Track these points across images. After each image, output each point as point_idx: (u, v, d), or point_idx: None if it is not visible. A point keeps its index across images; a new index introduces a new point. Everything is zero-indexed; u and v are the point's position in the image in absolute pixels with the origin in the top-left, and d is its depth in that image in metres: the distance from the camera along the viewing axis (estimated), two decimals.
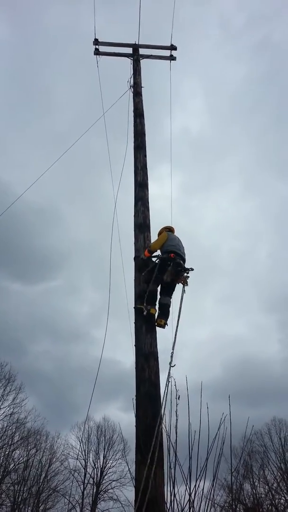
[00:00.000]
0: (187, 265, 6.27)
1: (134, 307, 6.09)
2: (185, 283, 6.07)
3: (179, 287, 6.20)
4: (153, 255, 6.44)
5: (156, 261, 6.17)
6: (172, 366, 5.23)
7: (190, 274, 6.16)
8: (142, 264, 6.45)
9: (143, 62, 10.65)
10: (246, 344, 47.62)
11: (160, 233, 6.99)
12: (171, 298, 6.14)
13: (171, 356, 5.31)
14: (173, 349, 5.39)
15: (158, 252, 6.44)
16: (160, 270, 6.00)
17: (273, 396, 35.42)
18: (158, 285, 6.08)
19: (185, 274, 6.12)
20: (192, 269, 6.15)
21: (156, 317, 5.90)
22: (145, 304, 5.85)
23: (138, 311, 5.96)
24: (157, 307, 5.99)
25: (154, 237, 6.95)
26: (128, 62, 10.66)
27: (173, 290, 6.21)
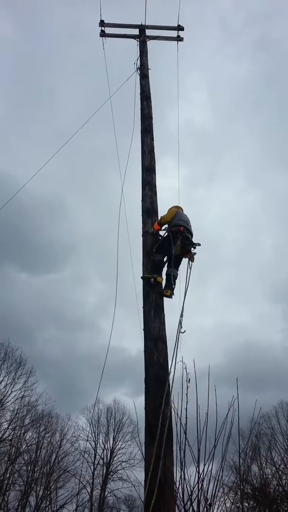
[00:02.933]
0: (194, 241, 6.46)
1: (142, 277, 6.23)
2: (191, 259, 6.33)
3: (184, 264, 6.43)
4: (162, 228, 6.64)
5: (165, 235, 6.39)
6: (182, 333, 5.47)
7: (196, 252, 6.39)
8: (153, 240, 6.59)
9: (150, 46, 10.44)
10: (250, 332, 47.90)
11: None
12: (177, 270, 6.34)
13: (180, 323, 5.53)
14: (181, 316, 5.62)
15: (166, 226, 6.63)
16: (169, 242, 6.19)
17: (276, 382, 35.81)
18: (165, 256, 6.28)
19: (192, 250, 6.35)
20: (199, 244, 6.38)
21: (163, 287, 6.08)
22: (151, 274, 6.06)
23: (145, 280, 6.12)
24: (164, 277, 6.16)
25: None
26: (134, 44, 10.49)
27: (180, 263, 6.42)
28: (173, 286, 6.16)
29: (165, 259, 6.34)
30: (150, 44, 10.44)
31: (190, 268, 6.23)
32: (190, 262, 6.31)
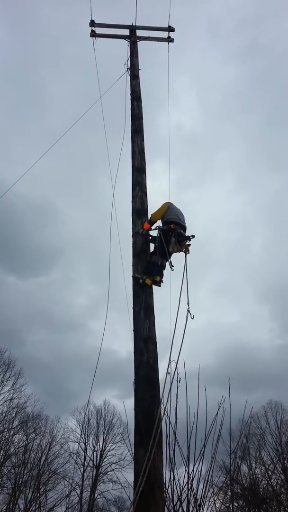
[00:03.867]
0: (187, 233, 6.48)
1: (132, 276, 6.23)
2: (187, 251, 6.32)
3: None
4: (152, 227, 6.64)
5: (157, 235, 6.42)
6: (192, 318, 5.48)
7: (191, 243, 6.38)
8: (143, 241, 6.60)
9: (140, 48, 10.43)
10: (239, 332, 48.33)
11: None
12: (167, 261, 6.37)
13: (188, 311, 5.50)
14: (188, 305, 5.58)
15: (159, 223, 6.63)
16: (164, 241, 6.20)
17: (265, 382, 36.16)
18: (161, 257, 6.29)
19: (187, 242, 6.34)
20: (193, 236, 6.37)
21: (151, 289, 6.09)
22: (142, 275, 6.08)
23: (135, 280, 6.12)
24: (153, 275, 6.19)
25: None
26: (125, 45, 10.47)
27: (171, 255, 6.40)
28: (162, 275, 6.28)
29: (160, 261, 6.34)
30: (140, 45, 10.45)
31: (186, 259, 6.27)
32: (186, 254, 6.34)
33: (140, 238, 6.67)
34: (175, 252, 6.30)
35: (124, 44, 10.52)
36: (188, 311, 5.50)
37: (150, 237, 6.70)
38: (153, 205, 7.23)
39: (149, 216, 6.84)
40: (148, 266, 6.23)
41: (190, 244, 6.39)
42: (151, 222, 6.68)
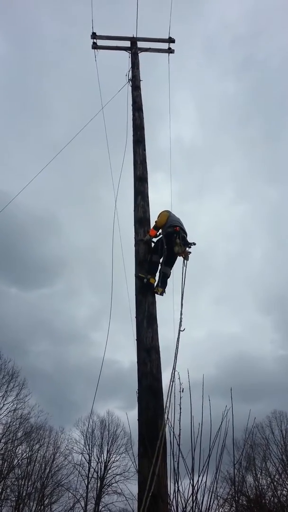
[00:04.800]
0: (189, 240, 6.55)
1: (136, 275, 6.30)
2: (186, 258, 6.42)
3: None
4: (158, 233, 6.71)
5: (160, 237, 6.50)
6: (182, 331, 5.54)
7: (191, 251, 6.48)
8: (145, 249, 6.65)
9: (142, 59, 10.55)
10: (241, 343, 48.15)
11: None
12: (171, 269, 6.42)
13: (180, 321, 5.61)
14: (181, 314, 5.72)
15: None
16: (169, 243, 6.27)
17: (268, 393, 35.89)
18: (161, 257, 6.35)
19: (187, 249, 6.44)
20: (194, 244, 6.46)
21: (155, 285, 6.15)
22: (146, 274, 6.15)
23: (139, 279, 6.18)
24: (157, 276, 6.25)
25: None
26: (126, 56, 10.60)
27: (174, 262, 6.49)
28: (165, 285, 6.27)
29: (161, 260, 6.40)
30: (140, 58, 10.57)
31: (186, 266, 6.34)
32: (185, 261, 6.41)
33: (142, 247, 6.68)
34: (180, 252, 6.34)
35: (125, 56, 10.67)
36: (181, 320, 5.58)
37: (153, 242, 6.74)
38: (155, 215, 7.27)
39: (153, 224, 6.86)
40: (150, 266, 6.32)
41: (190, 252, 6.47)
42: (157, 228, 6.73)
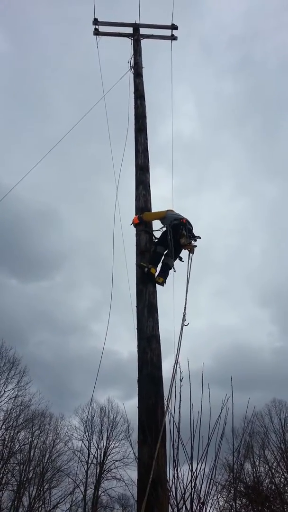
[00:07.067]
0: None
1: (137, 264, 6.29)
2: (191, 251, 6.41)
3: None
4: (154, 228, 6.69)
5: (167, 227, 6.47)
6: (186, 325, 5.54)
7: (197, 245, 6.46)
8: (147, 239, 6.62)
9: (144, 47, 10.39)
10: (239, 335, 48.63)
11: None
12: (174, 261, 6.44)
13: (183, 315, 5.60)
14: (185, 309, 5.69)
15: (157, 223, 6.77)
16: (175, 234, 6.31)
17: (265, 384, 36.30)
18: (165, 250, 6.38)
19: (193, 242, 6.43)
20: (199, 237, 6.46)
21: (155, 277, 6.14)
22: (147, 263, 6.14)
23: (140, 268, 6.17)
24: (159, 267, 6.27)
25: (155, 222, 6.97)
26: (128, 43, 10.45)
27: (178, 255, 6.52)
28: (167, 276, 6.28)
29: (165, 252, 6.42)
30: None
31: (191, 260, 6.33)
32: (191, 254, 6.41)
33: (144, 237, 6.66)
34: (185, 244, 6.35)
35: (127, 44, 10.52)
36: (184, 315, 5.58)
37: (154, 238, 6.72)
38: (156, 207, 7.25)
39: (144, 213, 6.84)
40: (153, 256, 6.31)
41: (196, 246, 6.46)
42: (141, 219, 6.73)
